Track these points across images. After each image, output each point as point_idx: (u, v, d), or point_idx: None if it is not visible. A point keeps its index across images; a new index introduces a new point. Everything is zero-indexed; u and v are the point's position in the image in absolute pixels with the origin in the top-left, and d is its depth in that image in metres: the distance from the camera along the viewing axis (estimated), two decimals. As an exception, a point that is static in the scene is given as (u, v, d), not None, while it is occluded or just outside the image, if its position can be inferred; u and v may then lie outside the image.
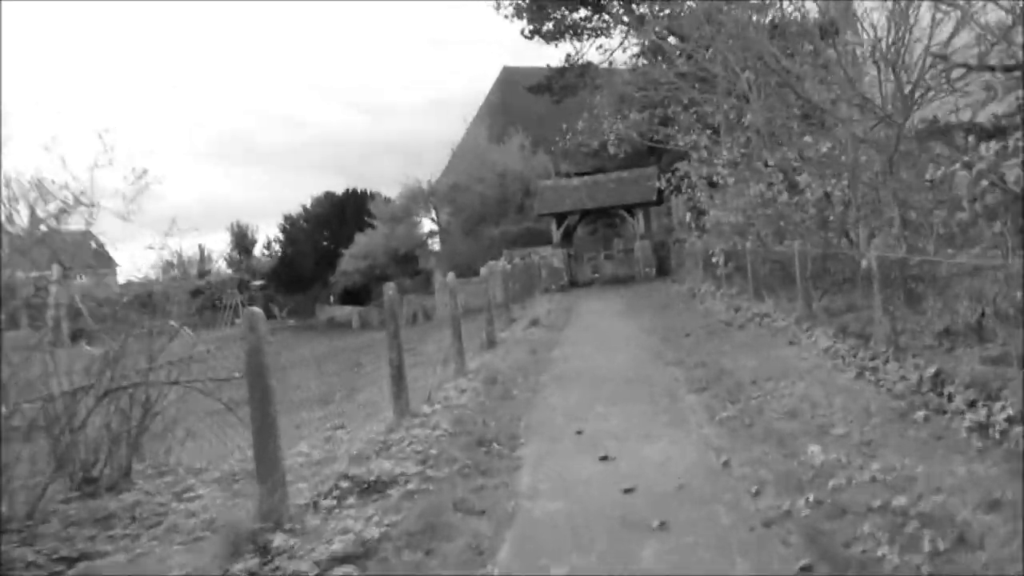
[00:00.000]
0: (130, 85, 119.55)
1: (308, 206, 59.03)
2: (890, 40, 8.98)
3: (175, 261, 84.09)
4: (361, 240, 47.40)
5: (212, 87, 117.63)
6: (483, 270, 33.71)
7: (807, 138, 12.63)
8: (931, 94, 9.02)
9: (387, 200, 46.67)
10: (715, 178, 19.99)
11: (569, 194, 30.42)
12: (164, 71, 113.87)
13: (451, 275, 12.70)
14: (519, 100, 44.79)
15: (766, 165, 14.77)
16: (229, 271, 75.51)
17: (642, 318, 15.69)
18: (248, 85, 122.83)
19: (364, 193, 53.86)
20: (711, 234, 15.53)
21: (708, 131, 19.41)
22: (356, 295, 52.30)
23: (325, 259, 52.08)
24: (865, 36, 9.66)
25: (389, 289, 7.98)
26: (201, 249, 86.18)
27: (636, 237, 29.37)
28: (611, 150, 23.82)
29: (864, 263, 8.22)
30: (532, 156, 37.56)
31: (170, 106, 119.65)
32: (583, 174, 32.30)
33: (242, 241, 79.53)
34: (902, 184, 9.06)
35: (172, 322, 6.37)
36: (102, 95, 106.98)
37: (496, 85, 48.50)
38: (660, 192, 28.35)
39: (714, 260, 15.12)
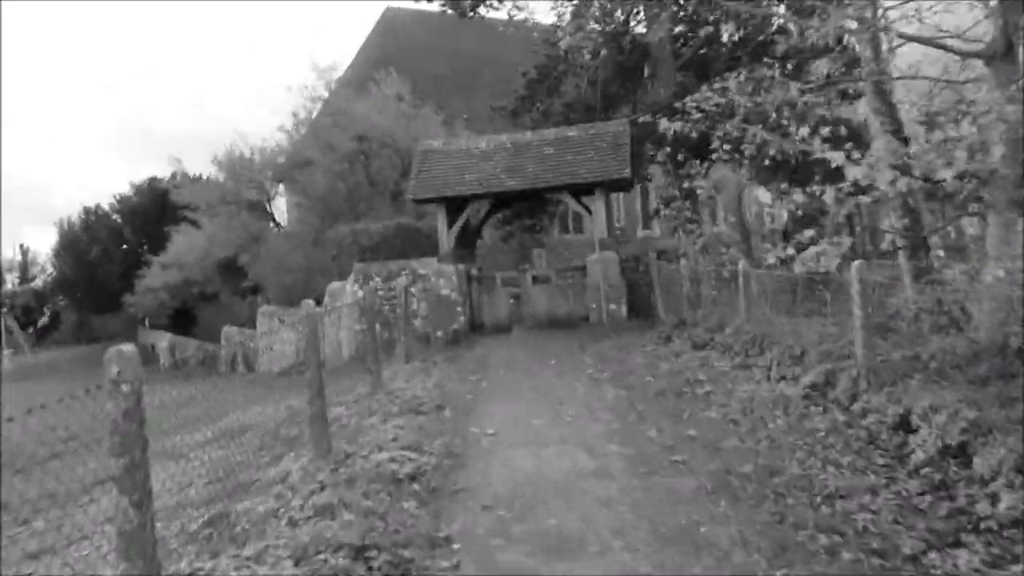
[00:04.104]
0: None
1: (122, 195, 43.35)
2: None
3: (-12, 264, 66.02)
4: (178, 241, 32.86)
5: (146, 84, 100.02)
6: (327, 297, 19.85)
7: None
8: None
9: (195, 180, 31.89)
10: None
11: (472, 166, 16.78)
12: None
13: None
14: (404, 42, 31.19)
15: None
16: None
17: None
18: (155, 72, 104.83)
19: (198, 179, 38.08)
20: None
21: None
22: (179, 317, 37.59)
23: (136, 267, 37.11)
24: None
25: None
26: (23, 250, 68.17)
27: (595, 246, 15.82)
28: (563, 45, 10.57)
29: None
30: (416, 115, 23.81)
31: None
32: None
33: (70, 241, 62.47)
34: None
35: None
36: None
37: (375, 30, 34.60)
38: (639, 164, 15.20)
39: None
